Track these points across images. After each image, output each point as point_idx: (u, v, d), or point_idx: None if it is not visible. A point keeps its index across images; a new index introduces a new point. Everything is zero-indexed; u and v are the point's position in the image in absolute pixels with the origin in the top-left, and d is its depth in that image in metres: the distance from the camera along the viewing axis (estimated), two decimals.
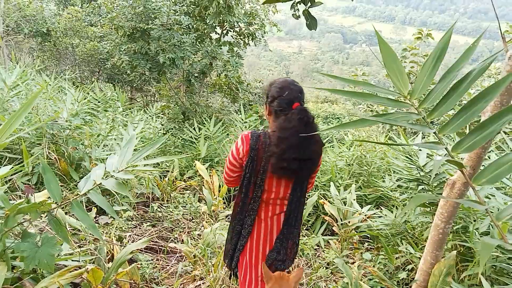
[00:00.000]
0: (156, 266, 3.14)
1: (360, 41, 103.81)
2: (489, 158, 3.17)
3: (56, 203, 1.57)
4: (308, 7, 1.63)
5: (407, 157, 3.46)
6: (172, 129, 7.24)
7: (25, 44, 13.21)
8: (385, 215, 3.57)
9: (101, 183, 1.57)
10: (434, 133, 1.11)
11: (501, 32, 1.42)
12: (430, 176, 3.12)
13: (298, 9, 1.63)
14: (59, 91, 5.36)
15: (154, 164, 4.64)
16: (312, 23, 1.64)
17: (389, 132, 7.31)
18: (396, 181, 4.02)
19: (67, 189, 3.52)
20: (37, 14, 11.67)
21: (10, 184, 3.07)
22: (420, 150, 3.48)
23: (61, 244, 1.86)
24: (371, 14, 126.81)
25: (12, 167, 1.98)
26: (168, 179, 4.68)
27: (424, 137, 4.20)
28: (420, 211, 3.25)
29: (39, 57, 12.50)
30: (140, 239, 3.46)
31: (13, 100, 3.84)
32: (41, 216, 2.35)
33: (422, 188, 3.21)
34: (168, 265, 3.24)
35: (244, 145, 1.83)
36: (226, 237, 2.04)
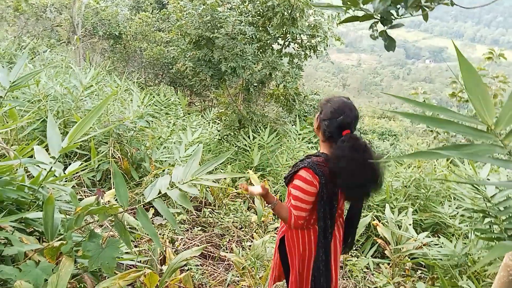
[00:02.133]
0: (205, 272, 3.17)
1: (424, 57, 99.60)
2: None
3: (122, 207, 1.63)
4: (387, 28, 1.56)
5: (472, 185, 3.22)
6: (227, 135, 7.36)
7: (98, 45, 14.19)
8: (443, 243, 3.35)
9: (165, 192, 1.61)
10: None
11: None
12: (498, 208, 2.87)
13: (376, 30, 1.57)
14: (126, 92, 5.67)
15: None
16: (390, 44, 1.57)
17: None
18: (456, 208, 3.78)
19: (128, 188, 3.68)
20: (112, 18, 12.51)
21: (77, 180, 3.27)
22: (488, 179, 3.22)
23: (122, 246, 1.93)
24: (437, 29, 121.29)
25: (81, 164, 2.10)
26: (221, 185, 4.74)
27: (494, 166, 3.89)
28: (483, 245, 3.01)
29: (110, 58, 13.36)
30: (191, 243, 3.52)
31: (86, 99, 4.10)
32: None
33: (489, 221, 2.97)
34: (216, 272, 3.26)
35: (313, 178, 1.80)
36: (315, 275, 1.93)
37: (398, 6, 1.41)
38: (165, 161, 4.17)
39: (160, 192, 1.60)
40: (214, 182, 1.74)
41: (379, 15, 1.45)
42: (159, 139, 4.52)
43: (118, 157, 3.76)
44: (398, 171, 5.29)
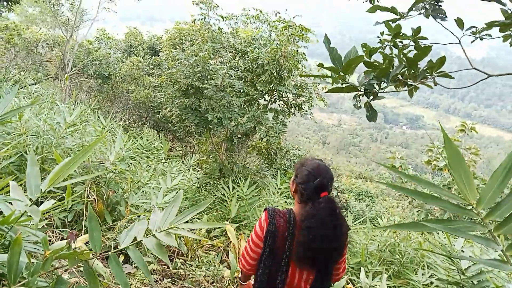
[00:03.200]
0: None
1: (401, 123, 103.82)
2: None
3: (94, 253, 1.58)
4: (371, 100, 1.66)
5: (447, 255, 3.25)
6: (206, 184, 7.29)
7: (85, 83, 14.29)
8: None
9: (141, 240, 1.57)
10: (502, 251, 1.04)
11: None
12: (472, 282, 2.89)
13: (359, 100, 1.67)
14: (110, 133, 5.64)
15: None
16: (372, 115, 1.67)
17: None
18: (430, 277, 3.77)
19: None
20: (104, 59, 12.74)
21: (48, 221, 3.15)
22: (463, 251, 3.27)
23: None
24: (415, 98, 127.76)
25: (54, 203, 2.04)
26: (197, 235, 4.62)
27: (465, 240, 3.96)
28: None
29: (96, 97, 13.41)
30: None
31: (67, 137, 4.06)
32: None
33: None
34: None
35: (264, 220, 1.84)
36: None
37: (380, 80, 1.52)
38: (142, 206, 4.08)
39: (135, 239, 1.56)
40: (189, 231, 1.72)
41: (363, 88, 1.55)
42: (138, 183, 4.45)
43: (94, 198, 3.66)
44: (374, 234, 5.30)
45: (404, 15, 1.70)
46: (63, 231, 3.21)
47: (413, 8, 1.68)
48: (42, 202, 2.06)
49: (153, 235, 1.56)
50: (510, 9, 1.62)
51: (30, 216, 1.72)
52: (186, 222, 1.56)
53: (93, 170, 3.74)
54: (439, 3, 1.67)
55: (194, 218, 5.23)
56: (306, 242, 1.70)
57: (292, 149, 11.34)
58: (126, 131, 8.36)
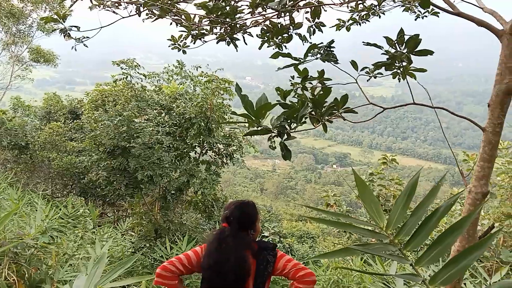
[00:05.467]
0: None
1: (331, 162, 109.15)
2: (465, 285, 3.17)
3: None
4: (284, 140, 1.79)
5: (384, 283, 3.40)
6: (142, 247, 6.92)
7: (0, 156, 13.17)
8: None
9: None
10: (411, 265, 1.16)
11: (459, 169, 1.59)
12: None
13: (274, 141, 1.80)
14: (29, 205, 5.20)
15: (121, 286, 4.31)
16: (287, 154, 1.79)
17: (363, 255, 7.25)
18: None
19: None
20: (20, 128, 11.94)
21: None
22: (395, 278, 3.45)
23: None
24: (340, 138, 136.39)
25: None
26: None
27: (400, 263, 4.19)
28: None
29: (13, 169, 12.36)
30: None
31: None
32: None
33: None
34: None
35: None
36: None
37: (290, 120, 1.66)
38: (70, 280, 3.74)
39: None
40: None
41: (276, 130, 1.68)
42: (64, 256, 4.09)
43: (13, 280, 3.29)
44: (318, 274, 5.36)
45: (302, 60, 1.92)
46: None
47: (310, 54, 1.91)
48: None
49: None
50: (387, 51, 1.91)
51: None
52: (114, 280, 1.49)
53: (11, 248, 3.39)
54: (331, 49, 1.92)
55: (131, 286, 4.88)
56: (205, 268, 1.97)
57: (230, 199, 11.29)
58: (48, 202, 7.74)
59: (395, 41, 1.86)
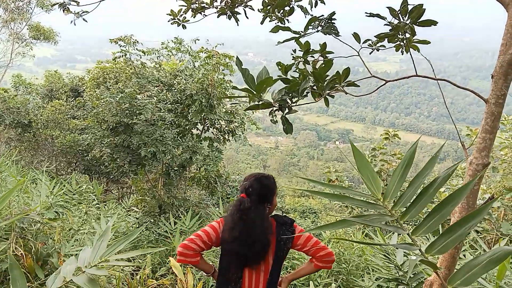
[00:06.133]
0: None
1: (334, 138, 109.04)
2: (464, 256, 3.21)
3: None
4: (286, 114, 1.79)
5: (385, 255, 3.46)
6: (146, 223, 7.03)
7: (3, 134, 13.22)
8: None
9: (71, 279, 1.50)
10: (408, 234, 1.17)
11: (461, 141, 1.58)
12: (408, 275, 3.09)
13: (275, 115, 1.79)
14: (34, 183, 5.26)
15: (126, 259, 4.41)
16: (288, 128, 1.79)
17: (365, 228, 7.34)
18: (376, 280, 3.95)
19: None
20: (22, 106, 11.94)
21: None
22: (397, 249, 3.50)
23: None
24: (343, 114, 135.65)
25: None
26: (140, 277, 4.41)
27: (400, 235, 4.25)
28: None
29: (17, 148, 12.44)
30: None
31: None
32: None
33: None
34: None
35: None
36: None
37: (291, 94, 1.65)
38: (77, 254, 3.82)
39: (65, 280, 1.49)
40: (126, 261, 1.67)
41: (277, 103, 1.67)
42: (70, 231, 4.17)
43: (21, 254, 3.36)
44: None
45: (302, 33, 1.89)
46: None
47: (310, 26, 1.88)
48: None
49: (83, 272, 1.50)
50: (390, 22, 1.87)
51: None
52: (119, 252, 1.52)
53: (17, 223, 3.45)
54: (332, 22, 1.88)
55: (136, 259, 5.00)
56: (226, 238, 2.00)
57: (233, 175, 11.38)
58: (53, 179, 7.83)
59: (398, 11, 1.82)
